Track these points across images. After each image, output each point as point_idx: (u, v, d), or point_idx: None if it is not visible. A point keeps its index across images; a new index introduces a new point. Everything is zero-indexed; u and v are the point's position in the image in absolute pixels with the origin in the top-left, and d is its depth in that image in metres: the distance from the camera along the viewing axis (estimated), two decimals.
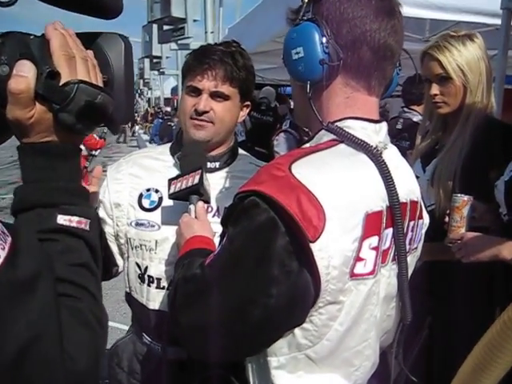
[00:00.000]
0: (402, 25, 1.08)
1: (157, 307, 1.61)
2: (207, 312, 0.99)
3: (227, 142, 1.69)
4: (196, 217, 1.38)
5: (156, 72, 17.07)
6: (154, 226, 1.61)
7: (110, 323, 4.70)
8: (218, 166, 1.67)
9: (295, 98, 1.20)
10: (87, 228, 0.78)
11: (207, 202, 1.47)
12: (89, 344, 0.73)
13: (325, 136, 1.07)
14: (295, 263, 0.94)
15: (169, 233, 1.58)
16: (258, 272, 0.95)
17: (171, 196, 1.47)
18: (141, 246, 1.62)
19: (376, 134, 1.09)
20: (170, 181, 1.47)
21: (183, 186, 1.43)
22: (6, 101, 0.73)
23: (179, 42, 10.02)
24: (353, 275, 0.98)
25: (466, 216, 1.74)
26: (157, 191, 1.64)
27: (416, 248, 1.22)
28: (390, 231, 1.05)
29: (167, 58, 14.92)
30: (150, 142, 16.82)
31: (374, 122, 1.09)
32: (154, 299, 1.62)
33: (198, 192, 1.43)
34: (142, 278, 1.64)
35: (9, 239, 0.65)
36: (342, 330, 1.01)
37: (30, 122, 0.74)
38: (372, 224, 1.00)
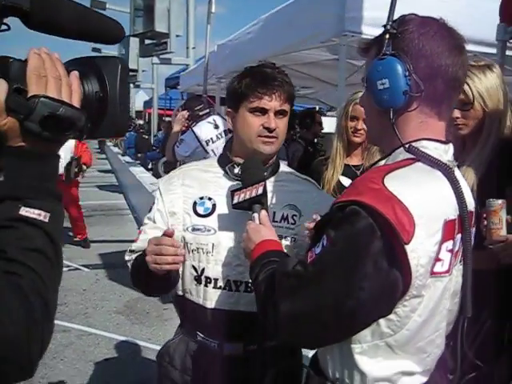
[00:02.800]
0: (467, 59, 1.26)
1: (215, 306, 1.73)
2: (308, 303, 1.15)
3: (275, 155, 1.86)
4: (260, 223, 1.51)
5: (131, 85, 17.04)
6: (210, 231, 1.74)
7: (105, 333, 4.76)
8: (265, 176, 1.80)
9: (371, 121, 1.37)
10: (46, 220, 0.90)
11: (266, 210, 1.59)
12: (18, 312, 0.82)
13: (401, 154, 1.24)
14: (386, 262, 1.11)
15: (224, 236, 1.73)
16: (355, 269, 1.11)
17: (235, 206, 1.60)
18: (198, 249, 1.74)
19: (445, 153, 1.26)
20: (233, 192, 1.61)
21: (247, 197, 1.57)
22: None
23: (161, 56, 10.18)
24: (432, 273, 1.15)
25: (503, 218, 1.88)
26: (210, 199, 1.78)
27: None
28: (459, 236, 1.23)
29: (143, 71, 14.96)
30: (123, 155, 16.74)
31: (443, 143, 1.27)
32: (212, 298, 1.73)
33: (260, 201, 1.56)
34: (198, 279, 1.76)
35: None
36: (420, 321, 1.18)
37: (5, 129, 0.88)
38: (448, 230, 1.17)
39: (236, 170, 1.80)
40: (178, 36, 9.63)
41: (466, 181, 2.04)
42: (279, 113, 1.75)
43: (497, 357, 1.95)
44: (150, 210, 1.86)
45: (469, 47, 3.45)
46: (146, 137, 15.72)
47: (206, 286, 1.74)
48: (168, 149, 5.59)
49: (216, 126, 5.42)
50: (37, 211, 0.90)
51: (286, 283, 1.19)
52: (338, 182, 2.86)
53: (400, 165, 1.21)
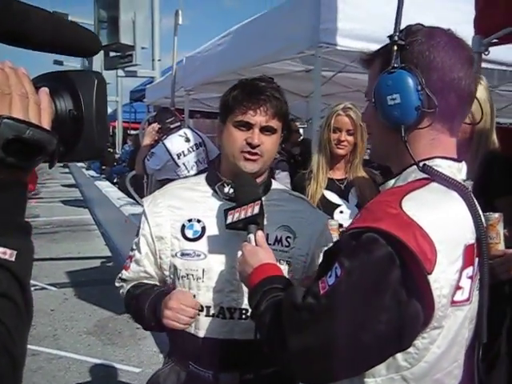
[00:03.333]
0: (477, 71, 1.19)
1: (208, 335, 1.63)
2: (322, 338, 1.05)
3: (265, 173, 1.76)
4: (257, 245, 1.42)
5: None
6: (199, 255, 1.64)
7: (75, 356, 4.58)
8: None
9: (377, 137, 1.27)
10: (12, 258, 0.78)
11: (262, 231, 1.50)
12: None
13: (413, 173, 1.16)
14: (405, 293, 1.01)
15: (215, 261, 1.63)
16: (372, 301, 1.02)
17: (229, 226, 1.50)
18: (187, 275, 1.64)
19: (459, 172, 1.19)
20: (227, 211, 1.51)
21: (242, 216, 1.48)
22: None
23: (126, 69, 10.02)
24: (453, 302, 1.07)
25: (500, 232, 1.84)
26: (199, 221, 1.68)
27: None
28: (476, 260, 1.14)
29: (107, 84, 14.71)
30: (88, 169, 16.41)
31: (456, 161, 1.19)
32: (204, 327, 1.63)
33: (256, 221, 1.47)
34: None
35: None
36: (439, 353, 1.09)
37: None
38: (469, 255, 1.10)
39: (226, 190, 1.70)
40: (143, 48, 9.50)
41: None
42: (265, 129, 1.65)
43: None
44: (137, 233, 1.76)
45: None
46: (111, 150, 15.46)
47: (197, 314, 1.63)
48: (138, 162, 5.47)
49: (187, 140, 5.34)
50: (1, 249, 0.78)
51: (297, 317, 1.09)
52: (323, 196, 2.80)
53: (415, 186, 1.12)
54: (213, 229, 1.65)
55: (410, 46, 1.14)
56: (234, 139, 1.66)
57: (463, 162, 1.22)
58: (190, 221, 1.68)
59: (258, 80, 1.70)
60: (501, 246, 1.85)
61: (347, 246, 1.08)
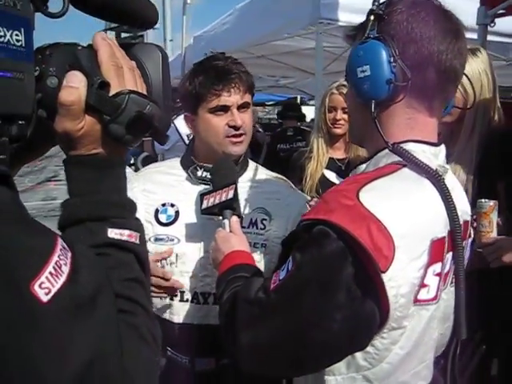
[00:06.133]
0: (466, 47, 1.09)
1: (183, 320, 1.62)
2: (271, 334, 1.01)
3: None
4: (231, 231, 1.39)
5: None
6: (173, 240, 1.62)
7: None
8: (236, 178, 1.65)
9: (353, 116, 1.20)
10: (137, 241, 0.77)
11: (239, 216, 1.47)
12: (147, 360, 0.72)
13: (384, 158, 1.07)
14: (360, 291, 0.95)
15: (189, 246, 1.61)
16: (324, 298, 0.96)
17: (204, 211, 1.48)
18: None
19: (435, 157, 1.08)
20: (203, 196, 1.48)
21: (216, 201, 1.44)
22: (55, 113, 0.73)
23: None
24: (416, 301, 0.99)
25: (493, 221, 1.77)
26: (172, 205, 1.65)
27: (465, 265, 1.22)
28: (450, 255, 1.06)
29: None
30: None
31: (433, 145, 1.09)
32: (179, 313, 1.62)
33: (232, 206, 1.44)
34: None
35: (69, 254, 0.64)
36: (403, 354, 1.02)
37: (79, 134, 0.73)
38: (436, 251, 1.01)
39: (199, 173, 1.66)
40: (155, 29, 9.44)
41: (458, 179, 1.91)
42: (242, 106, 1.61)
43: None
44: None
45: None
46: None
47: (171, 299, 1.62)
48: (147, 142, 5.44)
49: None
50: (127, 232, 0.75)
51: (248, 311, 1.04)
52: (322, 175, 2.75)
53: (382, 173, 1.03)
54: (187, 213, 1.63)
55: (388, 16, 1.05)
56: (214, 127, 1.60)
57: (442, 146, 1.12)
58: (163, 205, 1.66)
59: (214, 60, 1.63)
60: (493, 235, 1.78)
61: (300, 238, 1.02)
